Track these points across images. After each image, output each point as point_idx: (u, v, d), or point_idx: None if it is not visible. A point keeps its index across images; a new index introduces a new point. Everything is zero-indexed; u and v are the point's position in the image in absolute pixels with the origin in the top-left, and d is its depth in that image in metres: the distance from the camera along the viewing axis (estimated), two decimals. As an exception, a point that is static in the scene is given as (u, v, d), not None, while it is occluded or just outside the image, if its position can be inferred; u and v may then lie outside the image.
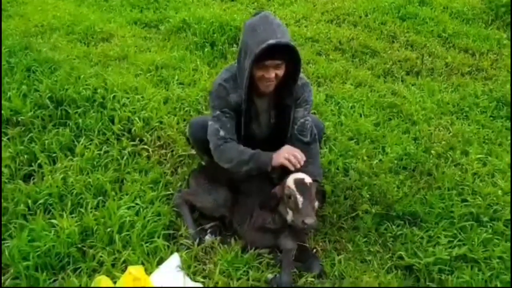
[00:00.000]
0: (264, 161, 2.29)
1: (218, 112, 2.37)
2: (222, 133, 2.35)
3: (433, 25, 5.54)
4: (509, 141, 3.43)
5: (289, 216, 2.22)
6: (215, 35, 4.60)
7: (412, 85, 4.34)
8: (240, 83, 2.30)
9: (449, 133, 3.52)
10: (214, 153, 2.38)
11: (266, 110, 2.48)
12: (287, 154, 2.23)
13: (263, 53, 2.10)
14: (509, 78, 4.46)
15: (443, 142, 3.33)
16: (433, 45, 5.15)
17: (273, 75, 2.23)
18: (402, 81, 4.44)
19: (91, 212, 2.45)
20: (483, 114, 3.85)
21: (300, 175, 2.21)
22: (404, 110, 3.75)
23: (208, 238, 2.41)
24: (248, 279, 2.20)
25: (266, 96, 2.42)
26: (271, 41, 2.07)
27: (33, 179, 2.71)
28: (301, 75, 2.38)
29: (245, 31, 2.22)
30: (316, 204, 2.22)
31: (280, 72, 2.26)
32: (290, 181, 2.19)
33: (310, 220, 2.07)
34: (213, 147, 2.37)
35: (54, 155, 2.85)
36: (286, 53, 2.19)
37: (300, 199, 2.13)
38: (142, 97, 3.38)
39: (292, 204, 2.16)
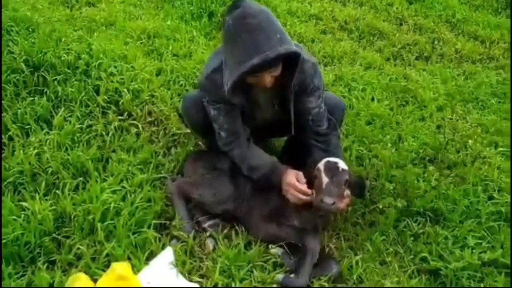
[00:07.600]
0: (272, 182, 2.18)
1: (213, 112, 2.18)
2: (223, 134, 2.22)
3: (442, 9, 5.51)
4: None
5: (312, 197, 2.04)
6: (212, 5, 4.29)
7: (423, 70, 4.20)
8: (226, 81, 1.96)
9: (467, 123, 3.31)
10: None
11: (269, 99, 2.26)
12: (291, 196, 2.10)
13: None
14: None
15: (462, 132, 3.07)
16: (442, 30, 5.09)
17: (268, 79, 1.95)
18: (412, 65, 4.31)
19: (69, 195, 2.15)
20: (500, 104, 3.64)
21: (333, 159, 2.09)
22: (418, 96, 3.53)
23: (209, 243, 2.10)
24: (252, 281, 1.94)
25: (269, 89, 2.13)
26: (255, 61, 1.79)
27: (2, 153, 2.39)
28: (307, 56, 2.13)
29: (225, 38, 1.91)
30: (347, 193, 2.04)
31: (276, 72, 1.97)
32: (321, 163, 2.07)
33: (329, 200, 1.91)
34: (223, 150, 2.28)
35: (28, 127, 2.54)
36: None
37: (325, 179, 1.99)
38: (132, 66, 3.04)
39: (317, 184, 2.02)
